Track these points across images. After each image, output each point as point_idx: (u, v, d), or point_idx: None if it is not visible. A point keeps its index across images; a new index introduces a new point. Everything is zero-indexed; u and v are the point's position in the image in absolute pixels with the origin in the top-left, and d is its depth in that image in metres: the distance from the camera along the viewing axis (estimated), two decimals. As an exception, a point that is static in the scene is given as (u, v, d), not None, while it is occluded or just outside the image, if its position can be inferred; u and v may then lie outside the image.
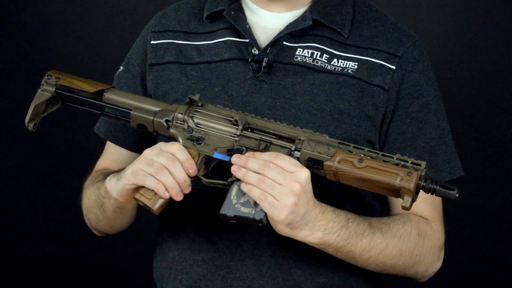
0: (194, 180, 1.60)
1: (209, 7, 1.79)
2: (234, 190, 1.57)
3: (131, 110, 1.64)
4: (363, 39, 1.73)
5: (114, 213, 1.72)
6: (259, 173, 1.51)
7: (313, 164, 1.54)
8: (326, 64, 1.71)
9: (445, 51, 2.99)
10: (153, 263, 1.84)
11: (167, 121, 1.62)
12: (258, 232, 1.69)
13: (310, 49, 1.72)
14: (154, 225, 1.83)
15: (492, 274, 3.09)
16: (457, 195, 1.49)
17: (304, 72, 1.71)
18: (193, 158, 1.58)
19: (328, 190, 1.69)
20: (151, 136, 1.71)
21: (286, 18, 1.75)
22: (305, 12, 1.75)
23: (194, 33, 1.78)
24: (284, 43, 1.73)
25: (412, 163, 1.51)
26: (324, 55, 1.72)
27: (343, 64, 1.71)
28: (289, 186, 1.51)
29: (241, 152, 1.58)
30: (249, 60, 1.71)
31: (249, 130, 1.60)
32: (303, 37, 1.74)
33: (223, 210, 1.55)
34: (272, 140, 1.58)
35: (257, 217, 1.54)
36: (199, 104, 1.62)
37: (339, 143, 1.55)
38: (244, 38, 1.74)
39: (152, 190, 1.57)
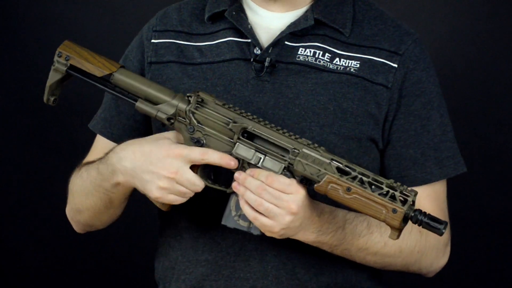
0: None
1: (210, 8, 1.79)
2: (233, 200, 1.60)
3: (135, 101, 1.65)
4: (365, 38, 1.74)
5: (125, 200, 1.74)
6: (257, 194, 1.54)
7: (305, 182, 1.56)
8: (329, 63, 1.71)
9: (447, 50, 2.98)
10: (154, 263, 1.84)
11: (169, 118, 1.62)
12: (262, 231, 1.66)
13: (312, 49, 1.72)
14: (155, 225, 1.83)
15: (493, 274, 3.10)
16: (443, 231, 1.49)
17: (307, 71, 1.70)
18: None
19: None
20: (146, 132, 1.75)
21: (287, 17, 1.75)
22: (306, 11, 1.75)
23: (195, 34, 1.78)
24: (286, 42, 1.73)
25: (402, 192, 1.50)
26: (327, 54, 1.72)
27: (345, 63, 1.71)
28: (285, 208, 1.53)
29: (239, 161, 1.59)
30: (252, 60, 1.71)
31: (245, 135, 1.59)
32: (305, 36, 1.74)
33: (224, 221, 1.59)
34: (268, 151, 1.57)
35: (254, 232, 1.59)
36: (199, 99, 1.62)
37: (331, 159, 1.54)
38: (246, 38, 1.74)
39: None
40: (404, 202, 1.50)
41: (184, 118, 1.61)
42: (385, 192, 1.51)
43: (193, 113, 1.61)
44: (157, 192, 1.59)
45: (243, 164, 1.59)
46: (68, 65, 1.68)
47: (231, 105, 1.61)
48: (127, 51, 1.85)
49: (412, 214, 1.50)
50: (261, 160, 1.58)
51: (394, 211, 1.49)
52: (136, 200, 1.81)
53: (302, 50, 1.72)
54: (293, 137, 1.57)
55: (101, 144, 1.85)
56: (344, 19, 1.75)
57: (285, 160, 1.56)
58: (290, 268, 1.70)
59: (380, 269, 1.74)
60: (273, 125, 1.58)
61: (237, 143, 1.59)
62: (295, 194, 1.54)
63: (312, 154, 1.55)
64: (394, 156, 1.74)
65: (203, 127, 1.61)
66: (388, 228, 1.58)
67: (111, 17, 3.13)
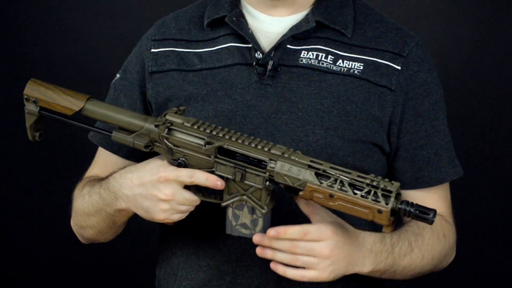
0: None
1: (209, 14, 1.79)
2: (230, 212, 1.60)
3: (111, 133, 1.65)
4: (367, 40, 1.73)
5: (127, 220, 1.74)
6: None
7: (289, 191, 1.55)
8: (332, 65, 1.70)
9: (447, 56, 2.98)
10: (156, 270, 1.84)
11: (146, 146, 1.62)
12: None
13: (315, 51, 1.72)
14: (155, 232, 1.81)
15: (491, 275, 3.08)
16: (434, 219, 1.47)
17: (310, 74, 1.70)
18: None
19: None
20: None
21: (287, 22, 1.75)
22: (307, 14, 1.74)
23: (195, 41, 1.78)
24: (288, 46, 1.72)
25: (383, 189, 1.47)
26: (329, 56, 1.71)
27: (348, 65, 1.71)
28: (320, 256, 1.53)
29: (223, 178, 1.58)
30: (254, 64, 1.70)
31: (222, 150, 1.58)
32: (307, 39, 1.73)
33: (228, 231, 1.61)
34: (247, 167, 1.56)
35: None
36: (168, 124, 1.60)
37: (310, 161, 1.52)
38: (247, 43, 1.73)
39: None
40: (388, 197, 1.47)
41: (160, 143, 1.60)
42: (365, 193, 1.48)
43: (166, 138, 1.60)
44: (161, 215, 1.59)
45: (228, 181, 1.58)
46: (38, 107, 1.68)
47: (201, 122, 1.58)
48: (126, 63, 1.85)
49: (400, 207, 1.48)
50: (243, 176, 1.57)
51: (380, 211, 1.47)
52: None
53: (304, 53, 1.72)
54: (266, 148, 1.54)
55: (102, 156, 1.85)
56: (346, 21, 1.74)
57: (265, 173, 1.54)
58: None
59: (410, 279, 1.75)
60: (246, 137, 1.56)
61: (216, 162, 1.57)
62: (325, 240, 1.53)
63: (288, 164, 1.53)
64: (408, 159, 1.74)
65: (181, 149, 1.60)
66: (423, 240, 1.65)
67: (115, 22, 3.14)
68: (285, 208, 1.67)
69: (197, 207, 1.64)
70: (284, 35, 1.72)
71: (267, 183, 1.55)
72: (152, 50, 1.80)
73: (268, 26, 1.75)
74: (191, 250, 1.74)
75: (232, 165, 1.56)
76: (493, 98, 2.98)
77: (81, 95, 1.66)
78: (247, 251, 1.70)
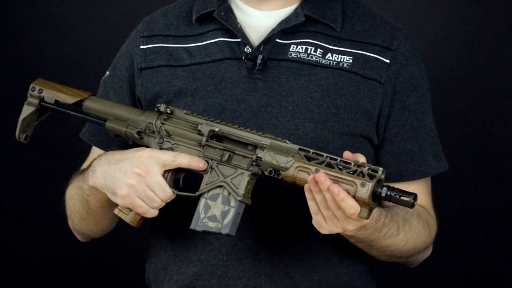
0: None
1: (198, 9, 1.79)
2: (202, 203, 1.60)
3: (105, 121, 1.68)
4: (356, 34, 1.73)
5: (101, 208, 1.72)
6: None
7: (274, 174, 1.56)
8: (321, 59, 1.71)
9: (440, 52, 2.98)
10: (145, 265, 1.83)
11: (138, 132, 1.65)
12: (255, 230, 1.69)
13: (304, 45, 1.72)
14: (145, 226, 1.81)
15: (481, 271, 3.08)
16: (414, 202, 1.48)
17: (299, 68, 1.70)
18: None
19: None
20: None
21: (276, 16, 1.74)
22: (296, 8, 1.74)
23: (183, 36, 1.78)
24: (277, 40, 1.72)
25: (369, 169, 1.50)
26: (318, 50, 1.71)
27: (337, 58, 1.71)
28: (343, 225, 1.53)
29: (208, 163, 1.61)
30: (243, 58, 1.70)
31: (214, 138, 1.61)
32: (296, 33, 1.73)
33: (193, 225, 1.60)
34: (235, 149, 1.59)
35: (223, 232, 1.59)
36: (168, 111, 1.64)
37: (299, 149, 1.55)
38: (236, 37, 1.73)
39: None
40: (372, 176, 1.49)
41: (153, 132, 1.63)
42: (353, 171, 1.50)
43: (162, 123, 1.63)
44: (125, 189, 1.58)
45: (212, 166, 1.61)
46: (41, 97, 1.73)
47: (199, 115, 1.63)
48: (115, 60, 1.85)
49: (381, 190, 1.49)
50: (230, 158, 1.59)
51: (363, 184, 1.48)
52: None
53: (293, 46, 1.72)
54: (260, 133, 1.58)
55: (94, 154, 1.84)
56: (335, 15, 1.74)
57: (253, 155, 1.56)
58: (283, 266, 1.69)
59: (383, 260, 1.75)
60: (242, 127, 1.60)
61: (206, 146, 1.60)
62: (358, 221, 1.52)
63: (280, 143, 1.56)
64: (392, 152, 1.74)
65: (172, 137, 1.63)
66: (410, 226, 1.64)
67: (107, 18, 3.14)
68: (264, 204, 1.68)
69: (186, 201, 1.63)
70: (273, 30, 1.72)
71: (252, 165, 1.56)
72: (141, 46, 1.80)
73: (257, 20, 1.75)
74: (181, 244, 1.74)
75: (222, 147, 1.59)
76: (486, 92, 2.99)
77: (85, 92, 1.73)
78: (238, 244, 1.69)
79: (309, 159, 1.54)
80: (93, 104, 1.71)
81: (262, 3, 1.75)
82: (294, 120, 1.67)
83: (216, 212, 1.60)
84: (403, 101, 1.73)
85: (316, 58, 1.71)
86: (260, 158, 1.56)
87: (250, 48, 1.71)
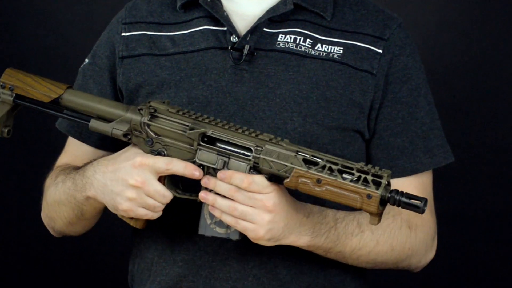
0: None
1: None
2: (206, 208, 1.58)
3: (88, 122, 1.63)
4: (347, 23, 1.70)
5: (96, 214, 1.71)
6: (229, 198, 1.51)
7: (274, 180, 1.53)
8: (310, 49, 1.67)
9: (436, 42, 2.95)
10: (129, 266, 1.80)
11: (125, 134, 1.60)
12: None
13: (293, 35, 1.69)
14: (128, 225, 1.75)
15: (481, 270, 3.08)
16: (424, 208, 1.44)
17: (288, 58, 1.67)
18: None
19: None
20: None
21: (264, 4, 1.71)
22: None
23: (167, 23, 1.74)
24: (265, 29, 1.69)
25: (373, 174, 1.45)
26: (308, 40, 1.68)
27: (327, 49, 1.68)
28: (261, 207, 1.50)
29: (202, 169, 1.56)
30: (229, 48, 1.67)
31: (206, 139, 1.56)
32: (284, 22, 1.70)
33: (201, 231, 1.57)
34: (231, 153, 1.54)
35: (233, 238, 1.56)
36: (152, 110, 1.58)
37: (297, 151, 1.50)
38: (222, 26, 1.70)
39: None
40: (378, 184, 1.45)
41: (141, 132, 1.58)
42: (356, 178, 1.46)
43: (148, 125, 1.58)
44: (126, 204, 1.56)
45: (209, 170, 1.56)
46: (14, 95, 1.66)
47: (186, 110, 1.58)
48: (95, 47, 1.81)
49: (389, 196, 1.45)
50: (226, 163, 1.54)
51: (369, 196, 1.44)
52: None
53: (282, 36, 1.69)
54: (253, 134, 1.53)
55: (72, 145, 1.82)
56: (325, 3, 1.71)
57: (250, 160, 1.52)
58: (271, 267, 1.66)
59: (371, 269, 1.70)
60: (232, 124, 1.55)
61: (198, 149, 1.55)
62: (270, 193, 1.50)
63: (276, 149, 1.51)
64: (382, 146, 1.70)
65: (162, 138, 1.58)
66: (384, 225, 1.59)
67: (86, 5, 3.11)
68: None
69: (172, 202, 1.60)
70: (260, 18, 1.68)
71: (251, 170, 1.52)
72: (123, 34, 1.76)
73: (244, 8, 1.72)
74: (166, 244, 1.70)
75: (215, 152, 1.54)
76: (485, 85, 2.96)
77: (61, 84, 1.65)
78: (224, 244, 1.66)
79: (307, 162, 1.50)
80: (71, 97, 1.64)
81: None
82: (281, 114, 1.64)
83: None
84: (395, 93, 1.69)
85: (305, 48, 1.67)
86: (258, 164, 1.53)
87: (236, 38, 1.68)
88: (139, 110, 1.59)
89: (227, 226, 1.55)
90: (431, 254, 1.74)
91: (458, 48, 2.97)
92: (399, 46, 1.71)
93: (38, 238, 3.06)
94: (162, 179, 1.57)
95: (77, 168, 1.70)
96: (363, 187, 1.44)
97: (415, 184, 1.70)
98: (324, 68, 1.67)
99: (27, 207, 3.03)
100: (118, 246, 2.61)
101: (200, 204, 1.58)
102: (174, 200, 1.60)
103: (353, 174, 1.46)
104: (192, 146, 1.55)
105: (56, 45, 3.10)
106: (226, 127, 1.54)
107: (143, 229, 1.70)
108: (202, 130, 1.54)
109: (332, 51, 1.68)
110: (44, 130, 2.90)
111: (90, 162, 1.67)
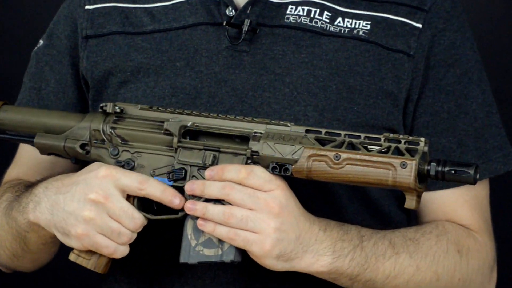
0: None
1: None
2: (189, 226, 1.42)
3: (33, 139, 1.50)
4: None
5: (44, 245, 1.55)
6: (221, 199, 1.38)
7: (278, 171, 1.39)
8: (329, 25, 1.53)
9: (497, 12, 2.77)
10: None
11: (82, 145, 1.47)
12: (244, 258, 1.46)
13: (306, 6, 1.55)
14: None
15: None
16: (477, 178, 1.32)
17: (300, 37, 1.53)
18: None
19: (330, 198, 1.52)
20: None
21: None
22: None
23: None
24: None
25: (407, 142, 1.34)
26: (325, 12, 1.54)
27: (351, 24, 1.53)
28: (265, 209, 1.36)
29: (185, 173, 1.42)
30: (224, 23, 1.53)
31: (188, 136, 1.45)
32: None
33: (183, 257, 1.41)
34: (220, 146, 1.41)
35: (227, 259, 1.39)
36: (118, 110, 1.46)
37: (306, 130, 1.39)
38: None
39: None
40: (413, 151, 1.34)
41: (103, 141, 1.46)
42: (385, 149, 1.34)
43: (113, 128, 1.45)
44: (81, 227, 1.39)
45: (193, 174, 1.41)
46: None
47: (161, 107, 1.46)
48: (52, 25, 1.69)
49: (428, 167, 1.32)
50: (216, 158, 1.41)
51: (403, 165, 1.31)
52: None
53: (291, 8, 1.54)
54: (248, 118, 1.43)
55: (25, 154, 1.69)
56: None
57: (246, 150, 1.39)
58: None
59: None
60: (221, 115, 1.43)
61: (179, 148, 1.42)
62: (275, 190, 1.36)
63: (280, 130, 1.40)
64: None
65: (131, 143, 1.45)
66: (417, 246, 1.45)
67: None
68: None
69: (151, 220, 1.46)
70: None
71: (248, 162, 1.40)
72: (87, 7, 1.63)
73: (244, -28, 1.59)
74: (141, 277, 1.56)
75: (201, 147, 1.41)
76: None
77: None
78: (219, 276, 1.51)
79: (322, 143, 1.37)
80: (10, 116, 1.51)
81: None
82: (292, 108, 1.50)
83: (213, 236, 1.40)
84: (439, 80, 1.54)
85: (322, 24, 1.53)
86: (257, 152, 1.38)
87: (233, 10, 1.55)
88: (101, 108, 1.46)
89: (218, 245, 1.39)
90: (488, 286, 1.59)
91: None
92: (444, 19, 1.56)
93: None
94: (131, 200, 1.43)
95: (30, 185, 1.57)
96: (394, 156, 1.33)
97: (465, 198, 1.54)
98: (347, 48, 1.53)
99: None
100: (85, 278, 2.46)
101: (181, 223, 1.42)
102: (149, 223, 1.45)
103: (380, 146, 1.36)
104: (171, 147, 1.41)
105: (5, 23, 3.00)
106: (215, 115, 1.44)
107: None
108: (183, 122, 1.43)
109: (356, 26, 1.54)
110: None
111: (46, 177, 1.54)
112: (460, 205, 1.53)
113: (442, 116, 1.53)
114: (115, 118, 1.46)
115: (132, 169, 1.43)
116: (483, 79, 1.58)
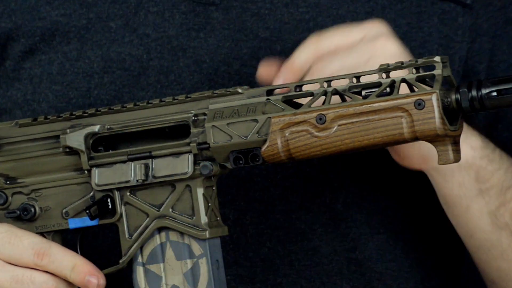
0: None
1: None
2: (139, 275, 1.18)
3: None
4: None
5: None
6: None
7: (244, 161, 1.12)
8: None
9: None
10: None
11: None
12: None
13: None
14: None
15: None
16: None
17: None
18: None
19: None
20: None
21: None
22: None
23: None
24: None
25: (416, 68, 1.07)
26: None
27: None
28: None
29: (112, 202, 1.15)
30: None
31: (102, 147, 1.19)
32: None
33: None
34: (151, 148, 1.14)
35: None
36: None
37: (266, 92, 1.11)
38: None
39: None
40: (429, 80, 1.06)
41: None
42: (387, 89, 1.06)
43: None
44: None
45: (123, 196, 1.14)
46: None
47: (52, 115, 1.19)
48: None
49: (456, 96, 1.02)
50: (150, 169, 1.14)
51: (419, 104, 1.02)
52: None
53: None
54: (182, 97, 1.15)
55: None
56: None
57: (189, 144, 1.12)
58: None
59: None
60: (141, 102, 1.15)
61: (93, 168, 1.15)
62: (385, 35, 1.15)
63: (229, 104, 1.12)
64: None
65: (21, 181, 1.19)
66: None
67: None
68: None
69: None
70: None
71: (201, 164, 1.12)
72: None
73: None
74: None
75: (125, 157, 1.14)
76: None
77: None
78: None
79: (295, 105, 1.11)
80: None
81: None
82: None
83: (176, 279, 1.17)
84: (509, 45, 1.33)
85: None
86: (206, 143, 1.10)
87: None
88: None
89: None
90: None
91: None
92: None
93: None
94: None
95: None
96: (403, 95, 1.05)
97: None
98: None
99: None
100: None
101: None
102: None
103: (379, 85, 1.07)
104: (81, 169, 1.15)
105: None
106: (131, 105, 1.16)
107: None
108: (89, 129, 1.16)
109: None
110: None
111: None
112: None
113: None
114: None
115: (32, 218, 1.15)
116: None
